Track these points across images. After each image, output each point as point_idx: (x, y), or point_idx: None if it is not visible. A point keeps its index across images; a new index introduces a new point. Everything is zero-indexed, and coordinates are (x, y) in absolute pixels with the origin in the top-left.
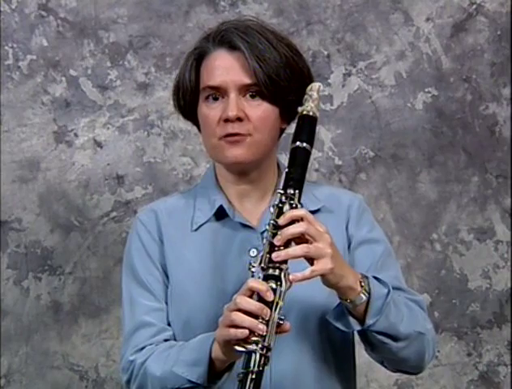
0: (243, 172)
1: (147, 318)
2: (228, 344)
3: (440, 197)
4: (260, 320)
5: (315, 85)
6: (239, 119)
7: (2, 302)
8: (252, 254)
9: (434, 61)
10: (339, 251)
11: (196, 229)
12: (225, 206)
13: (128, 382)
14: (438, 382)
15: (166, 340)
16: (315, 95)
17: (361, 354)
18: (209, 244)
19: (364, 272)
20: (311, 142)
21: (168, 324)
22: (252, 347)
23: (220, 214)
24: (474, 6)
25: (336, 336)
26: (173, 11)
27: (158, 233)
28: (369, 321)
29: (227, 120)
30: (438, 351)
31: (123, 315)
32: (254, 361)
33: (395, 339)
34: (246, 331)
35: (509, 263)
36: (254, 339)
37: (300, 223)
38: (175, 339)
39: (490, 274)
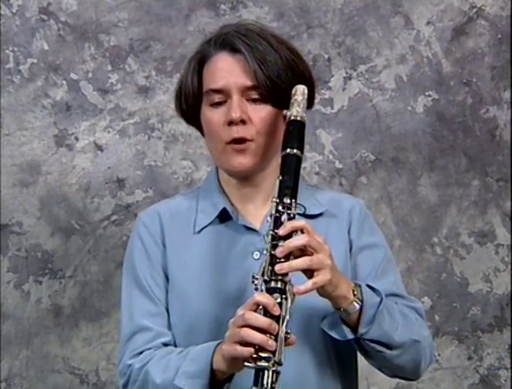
0: (246, 176)
1: (146, 322)
2: (235, 360)
3: (440, 200)
4: (269, 336)
5: (300, 88)
6: (243, 122)
7: (2, 306)
8: (255, 256)
9: (435, 64)
10: (339, 256)
11: (199, 232)
12: (228, 209)
13: (125, 386)
14: (439, 385)
15: (164, 344)
16: (300, 98)
17: (362, 357)
18: (211, 246)
19: (364, 278)
20: (301, 147)
21: (169, 328)
22: (263, 364)
23: (223, 217)
24: (474, 10)
25: (338, 340)
26: (174, 15)
27: (160, 236)
28: (362, 329)
29: (231, 122)
30: (439, 354)
31: (121, 316)
32: (267, 378)
33: (389, 347)
34: (252, 350)
35: (509, 267)
36: (264, 355)
37: (303, 235)
38: (174, 343)
39: (491, 277)
